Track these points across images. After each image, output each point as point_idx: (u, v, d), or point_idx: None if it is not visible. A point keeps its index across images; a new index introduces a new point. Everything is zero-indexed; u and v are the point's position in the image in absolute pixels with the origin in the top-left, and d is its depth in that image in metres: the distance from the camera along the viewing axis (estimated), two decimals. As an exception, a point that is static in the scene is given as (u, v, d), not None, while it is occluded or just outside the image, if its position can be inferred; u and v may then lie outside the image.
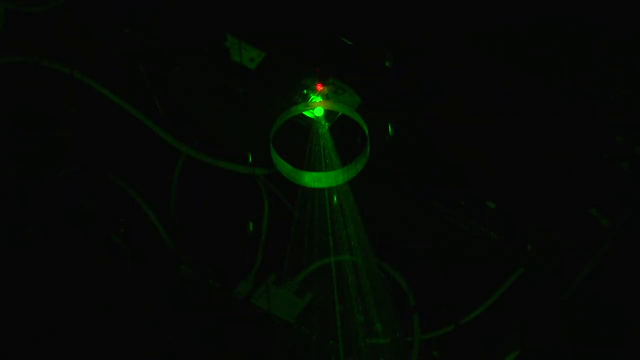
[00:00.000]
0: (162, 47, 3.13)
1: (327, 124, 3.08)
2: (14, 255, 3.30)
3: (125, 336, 3.37)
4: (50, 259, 3.32)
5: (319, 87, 3.06)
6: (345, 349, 3.36)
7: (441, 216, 3.27)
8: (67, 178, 3.28)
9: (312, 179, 3.10)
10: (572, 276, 3.27)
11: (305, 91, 3.06)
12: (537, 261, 3.27)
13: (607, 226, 3.19)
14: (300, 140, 3.09)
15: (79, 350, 3.33)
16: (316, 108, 3.07)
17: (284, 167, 3.11)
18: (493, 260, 3.31)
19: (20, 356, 3.31)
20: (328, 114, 3.08)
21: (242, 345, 3.44)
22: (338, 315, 3.33)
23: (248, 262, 3.35)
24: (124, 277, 3.36)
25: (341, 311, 3.32)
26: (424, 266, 3.37)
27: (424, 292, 3.38)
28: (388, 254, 3.33)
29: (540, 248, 3.26)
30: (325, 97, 3.06)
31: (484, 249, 3.30)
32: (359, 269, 3.27)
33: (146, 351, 3.39)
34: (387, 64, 3.10)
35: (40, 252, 3.32)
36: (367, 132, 3.02)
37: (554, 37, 3.09)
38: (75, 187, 3.30)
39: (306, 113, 3.07)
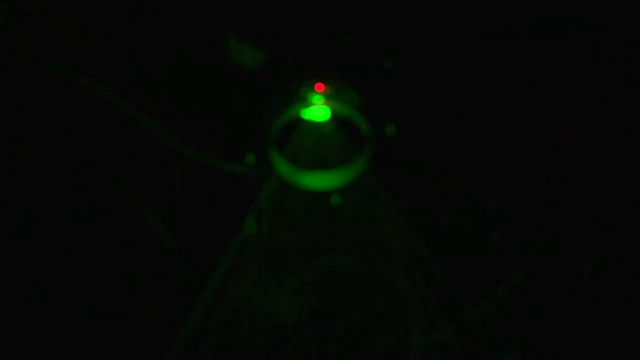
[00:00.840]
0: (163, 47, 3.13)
1: (327, 124, 3.08)
2: (14, 255, 3.30)
3: (126, 336, 3.37)
4: (50, 258, 3.32)
5: (319, 88, 3.06)
6: (346, 349, 3.36)
7: (441, 216, 3.27)
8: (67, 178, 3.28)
9: (312, 180, 3.10)
10: (572, 276, 3.27)
11: (305, 92, 3.06)
12: (537, 261, 3.27)
13: (607, 226, 3.19)
14: (299, 141, 3.08)
15: (78, 351, 3.33)
16: (316, 108, 3.08)
17: (284, 167, 3.11)
18: (493, 260, 3.31)
19: (20, 356, 3.30)
20: (328, 114, 3.08)
21: (242, 345, 3.44)
22: (338, 316, 3.33)
23: (248, 262, 3.35)
24: (124, 277, 3.36)
25: (341, 312, 3.33)
26: (424, 266, 3.37)
27: (424, 292, 3.38)
28: (388, 254, 3.33)
29: (540, 248, 3.26)
30: (326, 97, 3.06)
31: (484, 248, 3.30)
32: (359, 270, 3.27)
33: (146, 351, 3.39)
34: (387, 64, 3.09)
35: (41, 252, 3.32)
36: (367, 132, 3.02)
37: (554, 37, 3.08)
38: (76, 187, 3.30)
39: (306, 114, 3.07)
